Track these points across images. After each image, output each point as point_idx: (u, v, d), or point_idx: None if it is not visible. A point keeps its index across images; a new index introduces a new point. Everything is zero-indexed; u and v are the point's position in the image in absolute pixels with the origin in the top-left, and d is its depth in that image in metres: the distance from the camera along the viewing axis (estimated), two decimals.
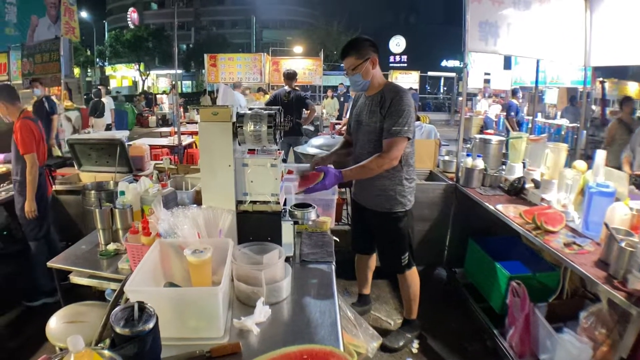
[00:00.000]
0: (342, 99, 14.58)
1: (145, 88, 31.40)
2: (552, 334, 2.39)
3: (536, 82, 6.20)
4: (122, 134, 4.61)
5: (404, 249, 2.96)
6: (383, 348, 3.05)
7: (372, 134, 2.72)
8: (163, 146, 6.91)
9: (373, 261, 3.41)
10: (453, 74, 23.00)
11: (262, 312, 1.56)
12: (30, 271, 3.50)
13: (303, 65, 12.72)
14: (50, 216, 3.67)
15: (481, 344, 3.13)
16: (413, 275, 3.08)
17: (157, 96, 21.02)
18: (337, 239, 2.46)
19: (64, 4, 6.04)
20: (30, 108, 5.85)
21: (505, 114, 11.53)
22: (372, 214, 2.95)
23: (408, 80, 18.63)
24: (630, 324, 1.86)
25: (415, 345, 3.14)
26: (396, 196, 2.82)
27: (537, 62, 6.00)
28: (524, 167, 3.73)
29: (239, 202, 2.02)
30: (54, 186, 3.88)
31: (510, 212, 3.04)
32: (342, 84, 16.16)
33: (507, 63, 10.64)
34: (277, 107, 2.09)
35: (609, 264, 2.12)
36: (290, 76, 6.58)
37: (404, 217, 2.90)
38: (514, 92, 10.63)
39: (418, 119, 7.35)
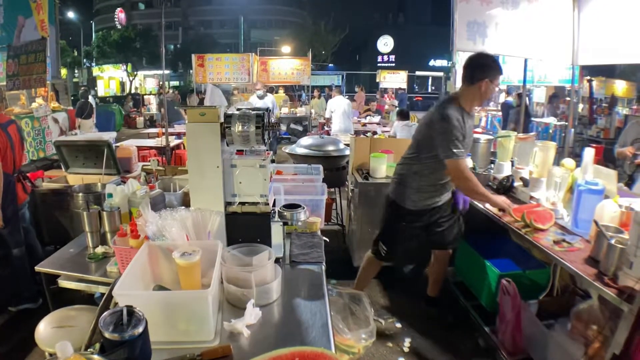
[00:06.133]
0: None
1: (133, 89, 31.11)
2: (543, 331, 2.41)
3: (524, 81, 6.22)
4: (109, 136, 4.56)
5: None
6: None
7: None
8: (151, 147, 6.83)
9: (379, 266, 3.43)
10: (441, 74, 23.13)
11: (252, 314, 1.55)
12: (13, 276, 3.43)
13: (291, 65, 12.68)
14: (27, 222, 3.61)
15: (472, 341, 3.14)
16: None
17: (145, 97, 20.86)
18: (327, 240, 2.45)
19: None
20: (16, 110, 5.76)
21: (493, 113, 11.62)
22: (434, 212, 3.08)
23: (396, 79, 18.65)
24: (621, 320, 1.87)
25: (407, 343, 3.14)
26: None
27: (525, 61, 6.03)
28: (513, 165, 3.75)
29: (227, 204, 2.00)
30: (28, 192, 3.64)
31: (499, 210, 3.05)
32: (333, 84, 16.17)
33: None
34: (266, 107, 2.08)
35: (598, 261, 2.14)
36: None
37: None
38: (508, 91, 10.74)
39: (407, 117, 7.41)
